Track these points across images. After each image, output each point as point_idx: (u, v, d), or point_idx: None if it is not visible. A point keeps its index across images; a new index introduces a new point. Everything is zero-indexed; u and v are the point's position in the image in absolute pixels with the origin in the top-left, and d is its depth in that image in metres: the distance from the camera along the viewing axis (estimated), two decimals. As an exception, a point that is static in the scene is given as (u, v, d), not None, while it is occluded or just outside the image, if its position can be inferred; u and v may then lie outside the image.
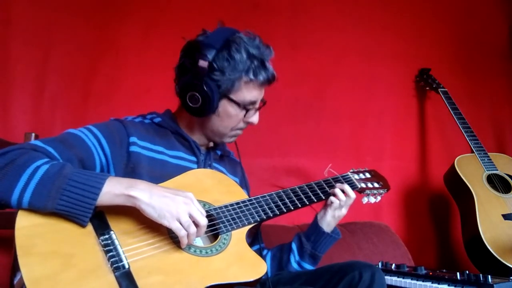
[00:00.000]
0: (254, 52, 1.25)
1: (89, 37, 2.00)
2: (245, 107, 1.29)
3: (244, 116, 1.31)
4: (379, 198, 1.52)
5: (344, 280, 1.15)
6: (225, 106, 1.28)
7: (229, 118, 1.30)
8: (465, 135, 2.21)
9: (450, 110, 2.29)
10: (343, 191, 1.37)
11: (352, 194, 1.38)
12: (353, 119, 2.42)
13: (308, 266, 1.39)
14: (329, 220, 1.38)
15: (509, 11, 2.78)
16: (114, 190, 0.99)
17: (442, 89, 2.38)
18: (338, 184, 1.40)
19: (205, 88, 1.21)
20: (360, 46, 2.48)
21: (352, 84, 2.44)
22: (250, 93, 1.28)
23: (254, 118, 1.34)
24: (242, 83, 1.25)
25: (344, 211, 1.39)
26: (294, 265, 1.39)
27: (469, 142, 2.19)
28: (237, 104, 1.27)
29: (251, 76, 1.25)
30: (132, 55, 2.07)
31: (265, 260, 1.17)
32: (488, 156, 2.15)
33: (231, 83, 1.24)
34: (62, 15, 1.96)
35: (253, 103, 1.30)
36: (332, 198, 1.36)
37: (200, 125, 1.34)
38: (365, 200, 1.49)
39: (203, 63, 1.20)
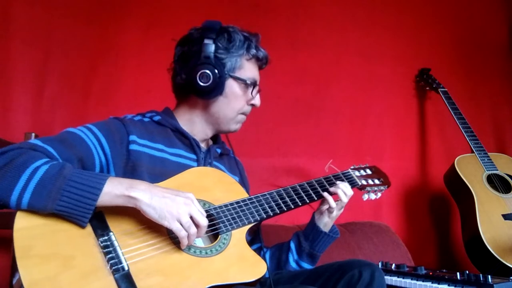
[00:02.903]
0: (247, 35, 1.35)
1: (89, 37, 2.00)
2: (250, 83, 1.33)
3: (251, 93, 1.34)
4: (379, 194, 1.51)
5: (343, 279, 1.15)
6: (231, 85, 1.32)
7: (235, 98, 1.33)
8: (465, 135, 2.21)
9: (450, 110, 2.29)
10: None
11: (350, 192, 1.37)
12: (353, 119, 2.42)
13: (307, 266, 1.39)
14: (326, 221, 1.38)
15: (509, 11, 2.78)
16: (115, 190, 0.99)
17: (442, 89, 2.38)
18: (335, 185, 1.37)
19: (215, 63, 1.26)
20: (360, 46, 2.48)
21: (352, 84, 2.44)
22: (252, 71, 1.35)
23: (257, 100, 1.38)
24: (244, 60, 1.33)
25: (341, 210, 1.38)
26: (293, 264, 1.39)
27: (469, 142, 2.19)
28: (243, 81, 1.32)
29: (253, 51, 1.33)
30: (132, 55, 2.07)
31: (264, 259, 1.16)
32: (488, 156, 2.15)
33: (235, 61, 1.31)
34: (62, 15, 1.96)
35: (255, 82, 1.35)
36: (328, 199, 1.34)
37: (204, 114, 1.35)
38: (365, 197, 1.49)
39: (208, 41, 1.27)
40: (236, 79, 1.31)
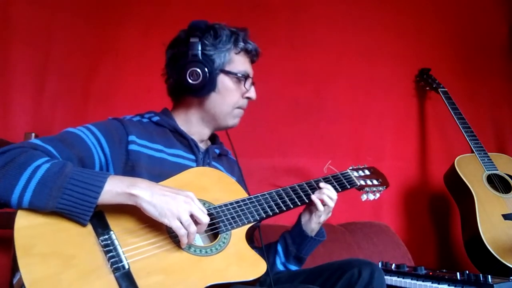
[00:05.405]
0: (234, 30, 1.36)
1: (89, 37, 2.00)
2: (242, 76, 1.34)
3: (244, 86, 1.35)
4: (378, 195, 1.51)
5: (343, 278, 1.15)
6: (223, 80, 1.33)
7: (229, 93, 1.34)
8: (465, 135, 2.21)
9: (450, 110, 2.29)
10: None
11: (335, 196, 1.35)
12: (353, 119, 2.42)
13: (294, 268, 1.38)
14: (314, 226, 1.36)
15: (509, 11, 2.78)
16: (116, 188, 0.99)
17: (442, 89, 2.38)
18: (319, 191, 1.34)
19: (203, 60, 1.27)
20: (360, 46, 2.48)
21: (352, 84, 2.44)
22: (243, 64, 1.36)
23: (252, 93, 1.38)
24: (233, 54, 1.34)
25: (328, 215, 1.36)
26: (280, 267, 1.39)
27: (469, 142, 2.19)
28: (234, 74, 1.33)
29: (241, 45, 1.34)
30: (132, 56, 2.07)
31: None
32: (488, 156, 2.15)
33: (223, 56, 1.32)
34: (62, 15, 1.96)
35: (247, 75, 1.36)
36: (317, 203, 1.32)
37: (200, 112, 1.36)
38: (364, 197, 1.49)
39: (194, 39, 1.28)
40: (227, 73, 1.33)
